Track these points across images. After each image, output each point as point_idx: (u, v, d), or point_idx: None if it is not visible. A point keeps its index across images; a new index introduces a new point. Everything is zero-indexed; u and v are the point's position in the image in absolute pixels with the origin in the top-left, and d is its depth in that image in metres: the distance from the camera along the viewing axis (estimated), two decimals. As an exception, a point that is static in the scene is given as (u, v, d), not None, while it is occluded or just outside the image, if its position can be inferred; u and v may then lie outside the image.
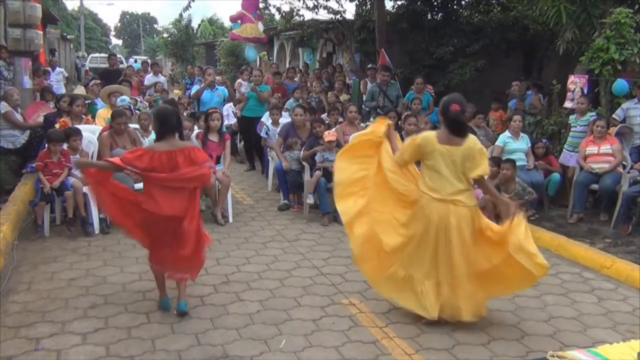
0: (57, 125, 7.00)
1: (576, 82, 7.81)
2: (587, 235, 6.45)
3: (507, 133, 7.50)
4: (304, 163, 7.25)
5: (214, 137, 7.02)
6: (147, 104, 9.85)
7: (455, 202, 4.08)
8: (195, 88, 10.28)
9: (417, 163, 4.45)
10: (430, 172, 4.16)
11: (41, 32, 10.30)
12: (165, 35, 33.66)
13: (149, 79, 12.75)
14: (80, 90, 11.97)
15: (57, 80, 14.47)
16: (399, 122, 8.34)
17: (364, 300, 4.69)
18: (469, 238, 4.11)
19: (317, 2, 12.84)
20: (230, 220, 6.85)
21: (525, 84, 10.15)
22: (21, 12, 8.89)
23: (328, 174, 6.91)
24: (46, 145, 6.22)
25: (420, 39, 12.43)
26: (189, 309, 4.36)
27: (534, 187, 6.96)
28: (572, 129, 7.59)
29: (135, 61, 30.70)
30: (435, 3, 12.78)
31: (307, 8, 13.09)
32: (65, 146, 6.30)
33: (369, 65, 11.51)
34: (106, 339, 3.92)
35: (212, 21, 37.43)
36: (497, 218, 6.57)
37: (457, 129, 4.14)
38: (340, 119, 8.47)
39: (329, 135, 7.02)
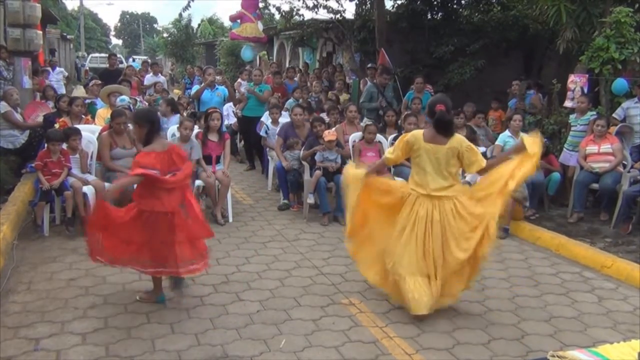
0: (56, 125, 7.00)
1: (576, 82, 7.81)
2: (588, 234, 6.44)
3: (507, 132, 7.49)
4: (304, 163, 7.24)
5: (213, 137, 7.01)
6: (146, 103, 9.84)
7: (439, 198, 4.32)
8: (195, 88, 10.27)
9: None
10: (417, 169, 4.42)
11: (41, 32, 10.30)
12: (165, 35, 33.68)
13: (148, 78, 12.75)
14: (79, 91, 11.98)
15: (57, 80, 14.47)
16: (399, 121, 8.35)
17: (364, 300, 4.69)
18: (454, 228, 4.28)
19: (317, 1, 12.82)
20: (230, 220, 6.85)
21: (526, 83, 10.14)
22: (21, 12, 8.89)
23: (328, 174, 6.92)
24: (46, 145, 6.22)
25: (420, 38, 12.42)
26: (189, 308, 4.38)
27: (534, 186, 6.95)
28: (572, 129, 7.59)
29: (134, 60, 30.70)
30: (435, 2, 12.77)
31: (307, 7, 13.08)
32: (64, 146, 6.29)
33: (369, 65, 11.50)
34: (106, 339, 3.92)
35: (211, 21, 37.45)
36: (499, 217, 6.58)
37: (443, 127, 4.36)
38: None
39: (329, 134, 7.01)
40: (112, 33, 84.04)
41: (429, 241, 4.31)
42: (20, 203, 6.50)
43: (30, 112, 8.36)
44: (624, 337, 4.08)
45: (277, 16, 15.88)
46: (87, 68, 28.56)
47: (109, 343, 3.86)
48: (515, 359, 3.87)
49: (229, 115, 10.29)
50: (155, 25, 75.14)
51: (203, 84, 9.65)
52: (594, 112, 7.46)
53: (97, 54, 36.03)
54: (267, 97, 9.59)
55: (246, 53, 13.32)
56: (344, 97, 11.35)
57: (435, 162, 4.32)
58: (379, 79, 9.64)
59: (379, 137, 7.52)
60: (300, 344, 3.95)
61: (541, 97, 9.44)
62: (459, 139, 4.39)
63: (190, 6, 14.46)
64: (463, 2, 13.33)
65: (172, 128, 7.53)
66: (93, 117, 8.04)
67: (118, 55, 20.64)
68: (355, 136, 7.59)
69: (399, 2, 13.21)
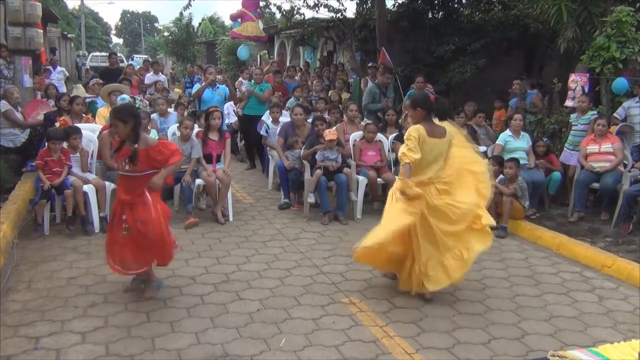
0: (57, 124, 7.01)
1: (577, 81, 7.80)
2: (588, 234, 6.44)
3: (507, 132, 7.49)
4: (305, 162, 7.23)
5: (214, 136, 7.01)
6: (147, 102, 9.83)
7: (432, 181, 4.59)
8: (196, 87, 10.26)
9: None
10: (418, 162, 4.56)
11: (41, 31, 10.30)
12: (165, 34, 33.67)
13: (149, 77, 12.75)
14: (79, 90, 11.98)
15: (57, 79, 14.47)
16: (399, 120, 8.34)
17: (364, 299, 4.68)
18: (439, 207, 4.56)
19: (318, 0, 12.81)
20: (231, 219, 6.85)
21: (529, 82, 10.12)
22: (21, 10, 8.89)
23: (328, 173, 6.91)
24: (46, 144, 6.22)
25: (420, 37, 12.41)
26: (189, 307, 4.39)
27: (535, 186, 6.95)
28: (573, 128, 7.58)
29: (132, 59, 30.69)
30: (436, 2, 12.77)
31: (308, 6, 13.08)
32: (65, 145, 6.29)
33: (370, 64, 11.49)
34: (106, 338, 3.91)
35: (212, 20, 37.43)
36: (499, 216, 6.59)
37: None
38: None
39: (330, 134, 7.00)
40: (113, 32, 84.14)
41: (421, 226, 4.56)
42: (20, 202, 6.50)
43: (30, 110, 8.36)
44: (624, 336, 4.07)
45: (278, 15, 15.89)
46: (88, 67, 28.57)
47: (109, 342, 3.86)
48: (516, 358, 3.86)
49: (230, 114, 10.30)
50: (156, 24, 75.25)
51: (204, 83, 9.64)
52: (595, 112, 7.46)
53: (98, 53, 36.04)
54: (267, 97, 9.56)
55: (242, 52, 13.32)
56: (344, 96, 11.35)
57: (439, 155, 4.58)
58: (381, 79, 9.46)
59: (380, 136, 7.52)
60: (301, 343, 3.95)
61: (542, 96, 9.43)
62: (451, 129, 4.69)
63: (191, 5, 14.43)
64: (464, 1, 13.33)
65: (172, 127, 7.54)
66: (94, 116, 8.03)
67: (118, 54, 20.64)
68: (355, 135, 7.59)
69: (400, 1, 13.21)
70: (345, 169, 6.99)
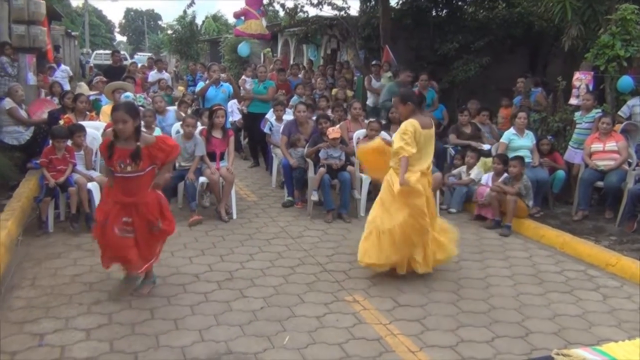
0: (61, 122, 7.02)
1: (581, 79, 7.77)
2: (592, 232, 6.42)
3: (511, 130, 7.47)
4: (308, 160, 7.23)
5: (217, 134, 7.01)
6: (150, 100, 9.84)
7: (427, 173, 4.92)
8: (199, 85, 10.27)
9: None
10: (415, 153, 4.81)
11: (45, 29, 10.30)
12: (169, 32, 33.62)
13: (153, 75, 12.75)
14: (82, 88, 11.99)
15: (62, 77, 14.48)
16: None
17: (367, 297, 4.68)
18: (430, 198, 5.03)
19: (322, -2, 12.81)
20: (234, 216, 6.85)
21: (533, 80, 10.09)
22: (25, 8, 8.89)
23: (332, 171, 6.91)
24: (50, 142, 6.23)
25: (424, 35, 12.38)
26: (193, 305, 4.40)
27: (539, 184, 6.93)
28: (578, 126, 7.55)
29: (133, 57, 30.71)
30: (440, -1, 12.75)
31: (311, 4, 13.07)
32: (69, 142, 6.30)
33: (374, 62, 11.48)
34: (110, 335, 3.92)
35: (216, 18, 37.44)
36: (502, 215, 6.58)
37: (422, 103, 5.17)
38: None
39: (333, 132, 7.00)
40: (117, 30, 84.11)
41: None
42: (24, 199, 6.52)
43: (35, 109, 8.36)
44: (628, 335, 4.06)
45: (282, 13, 15.90)
46: (92, 65, 28.62)
47: (113, 339, 3.87)
48: (520, 357, 3.85)
49: (233, 112, 10.29)
50: (159, 22, 75.25)
51: (208, 82, 9.64)
52: (599, 110, 7.43)
53: (101, 51, 36.16)
54: (270, 97, 9.54)
55: (242, 49, 13.32)
56: (348, 94, 11.34)
57: (430, 145, 4.93)
58: (403, 76, 9.35)
59: (383, 134, 7.50)
60: (304, 340, 3.95)
61: (546, 94, 9.39)
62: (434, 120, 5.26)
63: (194, 3, 14.44)
64: (468, -1, 13.30)
65: (175, 125, 7.54)
66: (98, 114, 8.05)
67: (122, 52, 20.64)
68: (359, 133, 7.58)
69: (404, -1, 13.18)
70: (349, 167, 6.98)
